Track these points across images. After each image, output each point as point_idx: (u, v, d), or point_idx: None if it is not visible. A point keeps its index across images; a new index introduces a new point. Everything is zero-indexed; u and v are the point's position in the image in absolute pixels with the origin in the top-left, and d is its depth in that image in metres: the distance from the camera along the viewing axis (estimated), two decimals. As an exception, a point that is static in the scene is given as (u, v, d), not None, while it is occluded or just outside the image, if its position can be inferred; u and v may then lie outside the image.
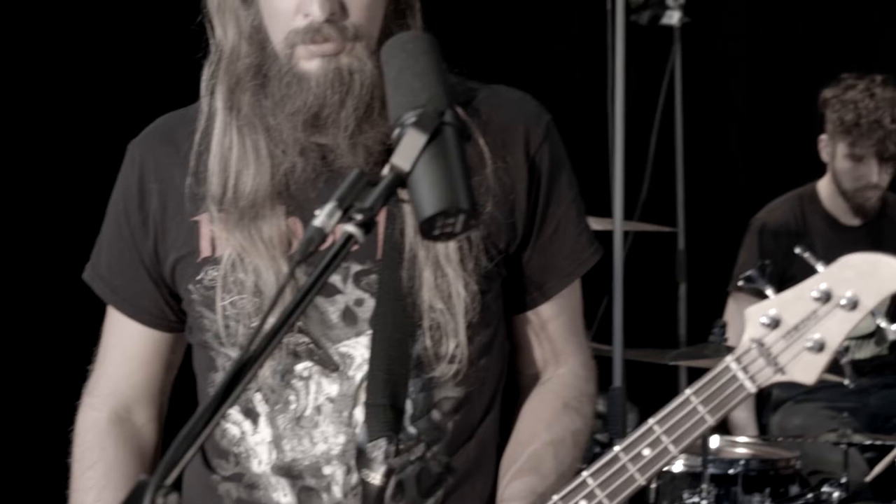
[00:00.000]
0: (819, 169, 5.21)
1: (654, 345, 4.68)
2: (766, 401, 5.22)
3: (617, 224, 4.03)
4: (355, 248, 1.67)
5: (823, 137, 5.16)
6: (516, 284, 2.38)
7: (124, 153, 2.43)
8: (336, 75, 2.19)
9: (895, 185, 5.15)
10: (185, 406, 2.09)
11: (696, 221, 5.89)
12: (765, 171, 6.33)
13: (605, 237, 4.07)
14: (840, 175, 5.10)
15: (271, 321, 1.64)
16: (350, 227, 1.68)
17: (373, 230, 1.70)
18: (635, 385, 4.57)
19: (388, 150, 2.22)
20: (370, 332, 2.26)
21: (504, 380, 2.42)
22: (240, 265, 2.27)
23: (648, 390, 4.41)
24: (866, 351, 5.11)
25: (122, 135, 2.47)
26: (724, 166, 6.39)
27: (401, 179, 1.73)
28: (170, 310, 2.42)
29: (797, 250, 2.01)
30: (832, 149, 5.11)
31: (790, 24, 6.26)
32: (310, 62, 2.19)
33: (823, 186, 5.20)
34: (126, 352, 2.45)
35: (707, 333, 3.89)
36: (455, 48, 1.94)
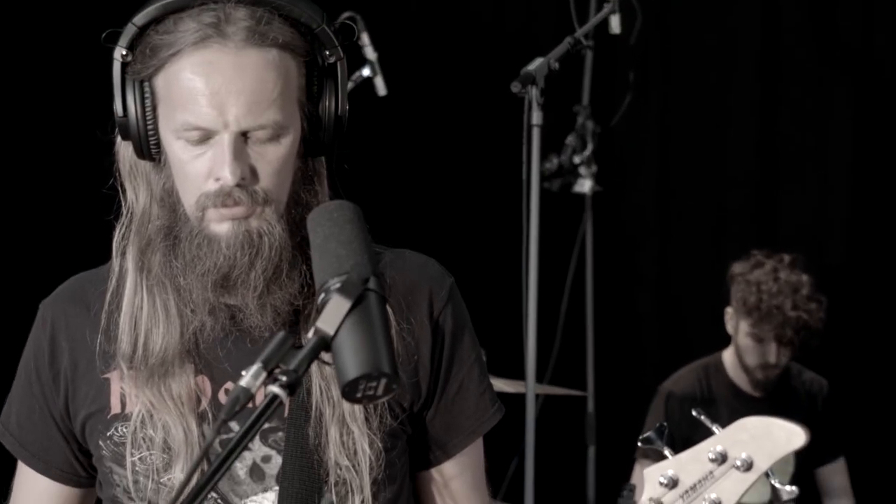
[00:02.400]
0: (725, 338, 5.30)
1: (563, 506, 4.71)
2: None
3: (530, 387, 4.07)
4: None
5: (729, 310, 5.23)
6: (420, 442, 2.43)
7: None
8: (246, 238, 2.23)
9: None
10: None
11: (606, 386, 5.94)
12: (672, 339, 6.42)
13: (517, 399, 4.12)
14: (742, 350, 5.18)
15: (182, 478, 1.67)
16: (275, 388, 1.74)
17: (298, 392, 1.75)
18: (544, 546, 4.58)
19: (297, 311, 2.30)
20: (277, 488, 2.29)
21: None
22: (149, 422, 2.30)
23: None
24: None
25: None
26: (632, 332, 6.47)
27: (325, 343, 1.79)
28: (80, 466, 2.44)
29: (694, 413, 2.08)
30: (736, 323, 5.20)
31: (700, 196, 6.40)
32: (220, 225, 2.24)
33: (728, 357, 5.28)
34: None
35: (616, 496, 3.91)
36: (365, 208, 2.00)
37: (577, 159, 5.68)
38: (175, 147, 2.25)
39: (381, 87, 4.85)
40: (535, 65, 4.14)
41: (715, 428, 1.99)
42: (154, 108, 2.27)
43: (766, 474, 1.98)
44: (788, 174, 6.27)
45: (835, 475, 5.34)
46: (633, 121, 6.25)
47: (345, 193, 2.30)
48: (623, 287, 6.44)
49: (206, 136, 2.22)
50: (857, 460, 5.44)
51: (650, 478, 2.00)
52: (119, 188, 2.37)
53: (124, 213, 2.36)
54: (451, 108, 5.99)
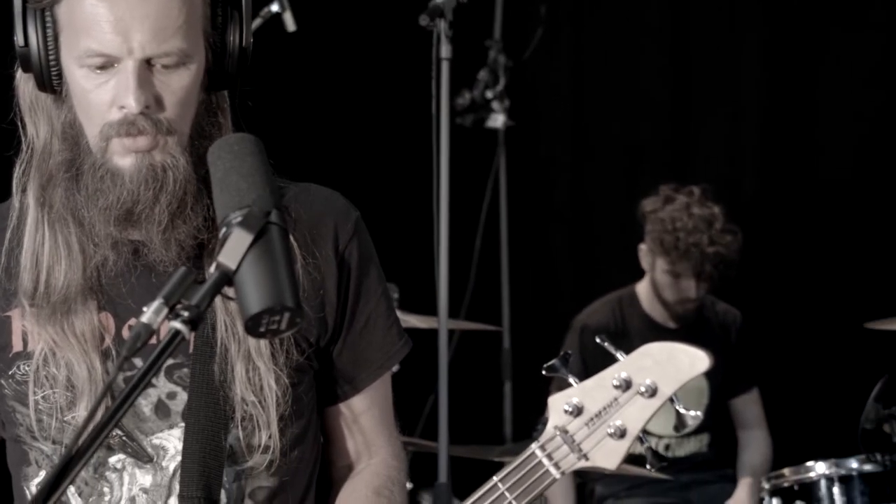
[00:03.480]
0: (638, 271, 5.32)
1: (480, 441, 4.72)
2: (589, 497, 5.28)
3: (442, 322, 4.07)
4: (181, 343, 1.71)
5: (643, 247, 5.24)
6: (328, 377, 2.43)
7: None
8: (150, 171, 2.22)
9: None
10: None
11: (521, 321, 5.96)
12: (587, 273, 6.44)
13: (431, 336, 4.11)
14: (659, 286, 5.19)
15: (86, 414, 1.65)
16: (177, 324, 1.72)
17: (201, 327, 1.72)
18: (461, 481, 4.58)
19: (201, 245, 2.28)
20: (183, 424, 2.29)
21: (318, 470, 2.46)
22: (52, 360, 2.29)
23: (474, 486, 4.43)
24: (686, 448, 5.20)
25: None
26: (547, 267, 6.49)
27: (227, 277, 1.77)
28: None
29: (598, 340, 2.07)
30: (651, 260, 5.20)
31: (613, 129, 6.40)
32: (124, 158, 2.22)
33: (643, 290, 5.30)
34: None
35: (532, 430, 3.92)
36: (271, 144, 1.98)
37: (489, 94, 5.68)
38: (77, 76, 2.22)
39: (289, 23, 4.80)
40: (444, -3, 4.11)
41: (619, 355, 2.00)
42: (56, 38, 2.24)
43: (671, 400, 1.98)
44: (701, 106, 6.29)
45: (749, 406, 5.38)
46: (546, 54, 6.24)
47: (253, 130, 2.26)
48: (537, 222, 6.44)
49: (109, 63, 2.20)
50: (770, 391, 5.49)
51: (555, 406, 2.01)
52: (19, 123, 2.33)
53: (24, 149, 2.33)
54: (359, 43, 5.94)
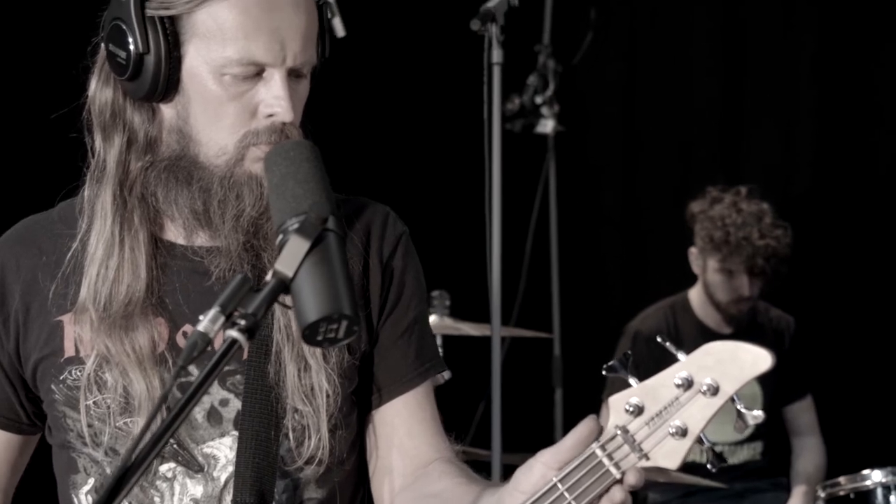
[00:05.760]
0: (690, 276, 5.29)
1: (532, 449, 4.68)
2: (642, 504, 5.26)
3: (495, 329, 4.05)
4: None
5: (693, 250, 5.24)
6: (366, 384, 2.39)
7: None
8: None
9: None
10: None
11: (572, 327, 5.94)
12: (637, 278, 6.40)
13: (482, 343, 4.09)
14: (712, 287, 5.18)
15: (142, 425, 1.64)
16: (234, 333, 1.70)
17: (256, 335, 1.71)
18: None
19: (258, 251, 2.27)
20: (234, 432, 2.27)
21: (367, 482, 2.43)
22: (105, 366, 2.28)
23: (526, 495, 4.40)
24: (740, 456, 5.17)
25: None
26: (598, 273, 6.46)
27: (284, 285, 1.75)
28: (24, 413, 2.42)
29: (658, 339, 2.05)
30: (703, 262, 5.20)
31: (663, 133, 6.37)
32: (255, 165, 2.24)
33: (695, 296, 5.28)
34: None
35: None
36: (322, 151, 1.97)
37: (538, 99, 5.66)
38: (212, 84, 2.23)
39: (339, 28, 4.77)
40: (495, 2, 4.11)
41: (680, 354, 1.97)
42: (178, 46, 2.24)
43: (732, 399, 1.95)
44: (752, 109, 6.25)
45: (803, 413, 5.35)
46: (595, 59, 6.21)
47: (305, 137, 2.27)
48: (588, 227, 6.42)
49: (257, 72, 2.22)
50: (825, 398, 5.44)
51: (615, 406, 1.98)
52: (87, 134, 2.34)
53: (95, 159, 2.33)
54: (409, 48, 5.93)
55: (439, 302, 4.50)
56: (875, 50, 6.02)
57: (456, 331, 4.47)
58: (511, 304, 5.49)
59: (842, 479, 4.63)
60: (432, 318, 4.41)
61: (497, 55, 4.12)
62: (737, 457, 5.15)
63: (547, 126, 5.72)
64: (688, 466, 5.04)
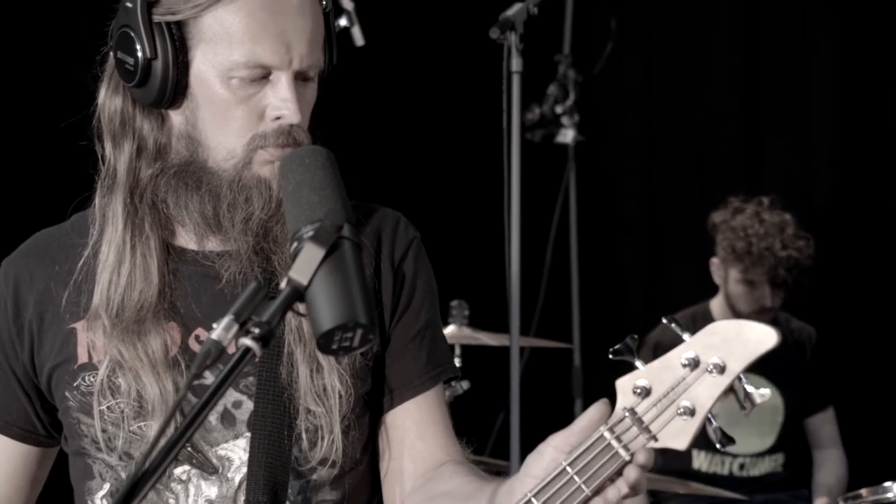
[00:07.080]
0: (712, 287, 5.27)
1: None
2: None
3: (514, 339, 4.03)
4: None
5: (715, 261, 5.22)
6: (377, 387, 2.39)
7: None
8: None
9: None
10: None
11: (592, 338, 5.92)
12: (658, 288, 6.39)
13: (501, 353, 4.07)
14: (734, 298, 5.16)
15: (156, 431, 1.64)
16: (248, 341, 1.69)
17: (271, 343, 1.70)
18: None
19: (270, 257, 2.27)
20: (248, 434, 2.27)
21: (381, 488, 2.42)
22: (118, 371, 2.28)
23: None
24: (761, 468, 5.15)
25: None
26: (618, 283, 6.44)
27: (298, 293, 1.74)
28: (40, 424, 2.42)
29: (664, 320, 2.04)
30: (724, 272, 5.19)
31: (683, 142, 6.36)
32: (264, 168, 2.25)
33: (716, 306, 5.26)
34: None
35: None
36: (340, 158, 1.96)
37: (559, 109, 5.64)
38: (219, 87, 2.24)
39: (358, 37, 4.77)
40: (514, 10, 4.10)
41: (685, 335, 1.96)
42: (185, 51, 2.25)
43: (739, 378, 1.94)
44: (772, 118, 6.23)
45: (824, 425, 5.33)
46: (615, 69, 6.20)
47: (322, 145, 2.25)
48: (608, 238, 6.41)
49: (264, 75, 2.23)
50: (846, 409, 5.42)
51: (623, 388, 1.98)
52: (97, 143, 2.35)
53: (106, 166, 2.34)
54: (428, 57, 5.92)
55: (458, 312, 4.49)
56: (894, 60, 5.99)
57: (475, 341, 4.46)
58: (530, 315, 5.47)
59: (863, 492, 4.59)
60: (451, 328, 4.40)
61: (516, 64, 4.11)
62: (758, 468, 5.12)
63: (567, 136, 5.70)
64: (708, 478, 5.06)
